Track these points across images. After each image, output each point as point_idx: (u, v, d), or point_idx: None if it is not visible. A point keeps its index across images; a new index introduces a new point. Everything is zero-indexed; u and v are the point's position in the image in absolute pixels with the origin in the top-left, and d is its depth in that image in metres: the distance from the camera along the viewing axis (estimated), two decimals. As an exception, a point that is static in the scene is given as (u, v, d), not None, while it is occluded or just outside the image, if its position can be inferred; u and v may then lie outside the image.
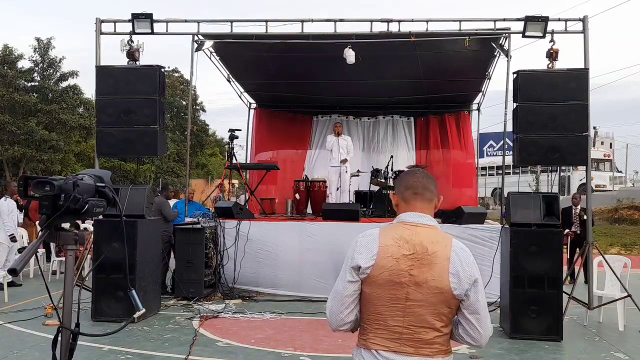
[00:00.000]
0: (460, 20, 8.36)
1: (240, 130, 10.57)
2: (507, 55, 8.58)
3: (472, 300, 2.05)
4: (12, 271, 1.93)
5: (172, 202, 9.81)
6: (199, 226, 8.47)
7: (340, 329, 2.14)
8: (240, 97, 13.02)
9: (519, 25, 7.89)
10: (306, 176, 11.50)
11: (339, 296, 2.10)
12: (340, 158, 10.83)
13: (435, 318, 2.03)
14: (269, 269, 8.75)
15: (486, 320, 2.10)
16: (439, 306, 2.03)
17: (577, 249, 10.12)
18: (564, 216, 10.63)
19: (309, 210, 10.77)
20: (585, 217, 9.72)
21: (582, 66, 7.51)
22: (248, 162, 12.83)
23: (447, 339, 2.10)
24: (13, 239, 9.22)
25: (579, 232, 10.47)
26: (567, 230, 10.43)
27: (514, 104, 7.58)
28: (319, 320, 7.00)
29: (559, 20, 7.88)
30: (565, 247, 10.21)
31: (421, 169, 2.27)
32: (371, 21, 8.42)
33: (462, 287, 2.02)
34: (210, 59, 10.44)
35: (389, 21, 8.30)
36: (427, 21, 8.31)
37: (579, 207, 10.74)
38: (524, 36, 7.77)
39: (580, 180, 23.16)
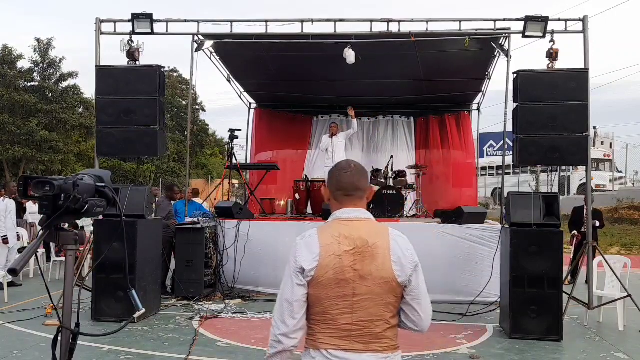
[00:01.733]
0: (460, 20, 8.36)
1: (240, 130, 10.59)
2: (507, 55, 8.58)
3: (414, 286, 2.08)
4: (12, 271, 1.93)
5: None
6: (199, 226, 8.47)
7: (292, 337, 2.04)
8: (240, 97, 13.02)
9: (519, 25, 7.88)
10: (306, 176, 11.50)
11: (288, 302, 2.04)
12: (335, 158, 10.79)
13: (383, 309, 2.05)
14: (269, 269, 8.74)
15: (427, 305, 2.13)
16: (385, 296, 2.05)
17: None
18: (574, 216, 10.47)
19: (309, 210, 10.77)
20: (597, 223, 9.58)
21: (582, 66, 7.50)
22: (248, 162, 12.83)
23: (395, 332, 2.11)
24: (5, 240, 9.16)
25: None
26: (574, 232, 10.12)
27: (514, 104, 7.57)
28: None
29: (559, 20, 7.87)
30: (570, 247, 10.07)
31: (353, 164, 2.22)
32: (371, 21, 8.41)
33: (405, 273, 2.06)
34: (210, 59, 10.44)
35: (389, 21, 8.29)
36: (427, 21, 8.30)
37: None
38: (524, 36, 7.76)
39: (580, 180, 23.16)
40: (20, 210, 11.21)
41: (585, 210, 10.46)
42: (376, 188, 10.39)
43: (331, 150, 10.76)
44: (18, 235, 9.81)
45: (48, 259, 10.73)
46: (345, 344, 2.03)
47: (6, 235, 9.15)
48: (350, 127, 11.16)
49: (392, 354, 2.07)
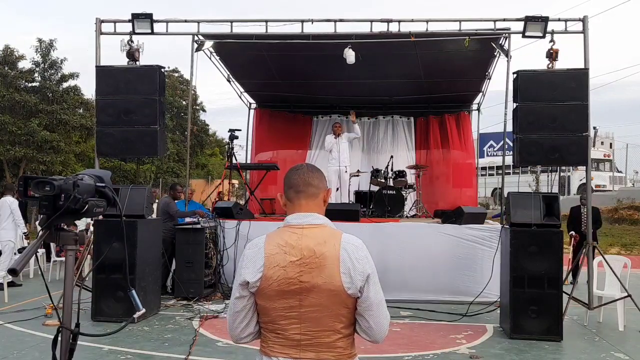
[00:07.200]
0: (460, 20, 8.36)
1: (240, 130, 10.58)
2: (507, 56, 8.58)
3: (365, 297, 1.98)
4: (12, 271, 1.92)
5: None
6: (199, 226, 8.47)
7: (240, 342, 2.13)
8: (240, 97, 13.02)
9: (519, 25, 7.88)
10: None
11: (231, 312, 2.08)
12: (340, 158, 10.79)
13: (333, 320, 1.98)
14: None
15: (380, 316, 2.03)
16: (334, 308, 1.97)
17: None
18: (572, 215, 10.46)
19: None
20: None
21: (582, 66, 7.50)
22: (248, 162, 12.83)
23: (349, 341, 2.05)
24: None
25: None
26: (572, 232, 10.09)
27: (514, 104, 7.57)
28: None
29: (559, 20, 7.87)
30: (570, 248, 10.05)
31: (306, 164, 2.20)
32: (371, 21, 8.41)
33: (355, 285, 1.96)
34: (210, 59, 10.44)
35: (389, 21, 8.29)
36: (427, 21, 8.30)
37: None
38: (524, 36, 7.76)
39: (580, 180, 23.14)
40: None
41: (582, 210, 10.46)
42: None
43: (336, 150, 10.76)
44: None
45: (48, 259, 10.73)
46: (295, 352, 1.99)
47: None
48: (352, 131, 11.28)
49: None
